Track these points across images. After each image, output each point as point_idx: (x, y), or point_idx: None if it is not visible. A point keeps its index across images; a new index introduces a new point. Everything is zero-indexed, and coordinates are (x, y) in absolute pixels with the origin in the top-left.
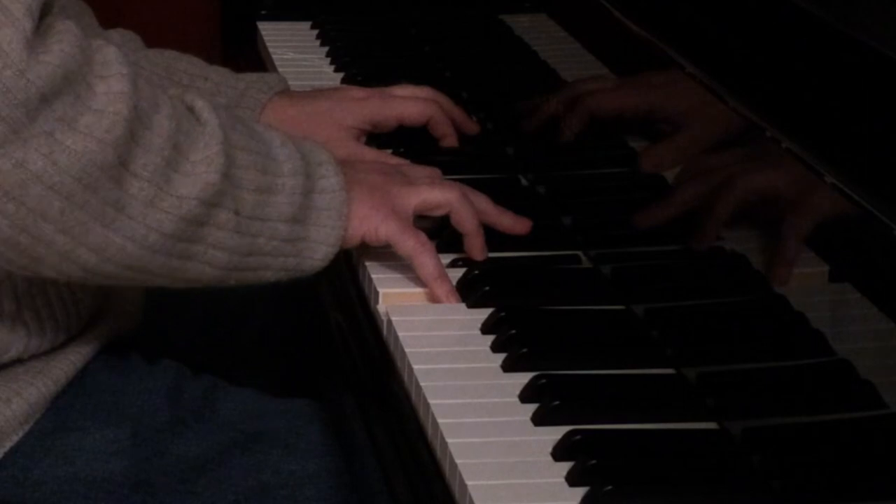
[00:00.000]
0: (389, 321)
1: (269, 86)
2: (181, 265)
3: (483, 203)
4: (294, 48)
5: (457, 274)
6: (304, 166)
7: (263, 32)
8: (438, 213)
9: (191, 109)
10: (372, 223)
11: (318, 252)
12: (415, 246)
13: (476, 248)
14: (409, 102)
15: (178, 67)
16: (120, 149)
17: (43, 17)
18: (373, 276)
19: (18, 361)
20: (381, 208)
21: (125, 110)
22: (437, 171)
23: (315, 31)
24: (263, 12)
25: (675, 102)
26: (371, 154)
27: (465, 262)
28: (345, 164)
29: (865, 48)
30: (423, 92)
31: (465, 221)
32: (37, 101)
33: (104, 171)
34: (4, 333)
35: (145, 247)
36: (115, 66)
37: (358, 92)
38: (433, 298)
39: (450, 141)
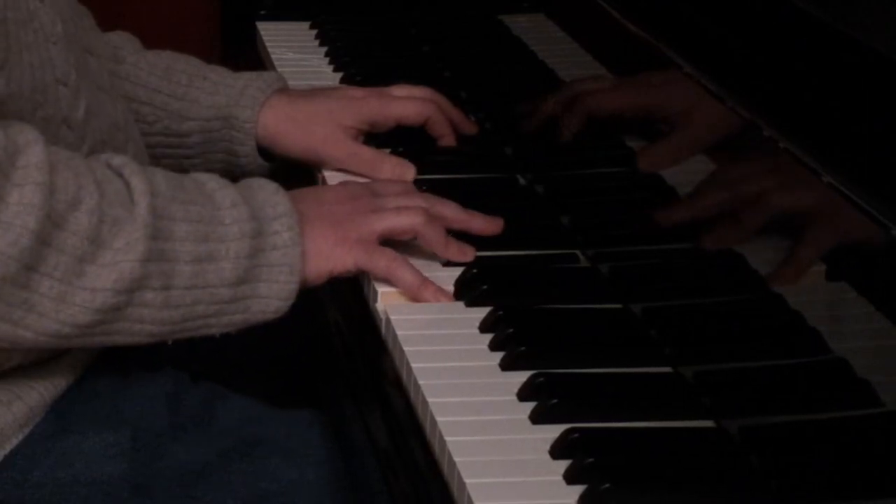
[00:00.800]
0: (388, 320)
1: (267, 84)
2: (104, 340)
3: (451, 211)
4: (293, 48)
5: (454, 273)
6: (253, 227)
7: (263, 32)
8: (404, 237)
9: (127, 186)
10: (336, 259)
11: (270, 306)
12: (387, 265)
13: (456, 258)
14: (407, 103)
15: (177, 68)
16: (25, 259)
17: None
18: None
19: (19, 366)
20: (344, 242)
21: (32, 223)
22: (408, 187)
23: (314, 32)
24: (263, 12)
25: (672, 102)
26: (368, 153)
27: (464, 262)
28: (309, 198)
29: (859, 46)
30: (421, 92)
31: (433, 242)
32: None
33: (6, 280)
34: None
35: (61, 336)
36: (33, 174)
37: (356, 92)
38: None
39: (447, 140)
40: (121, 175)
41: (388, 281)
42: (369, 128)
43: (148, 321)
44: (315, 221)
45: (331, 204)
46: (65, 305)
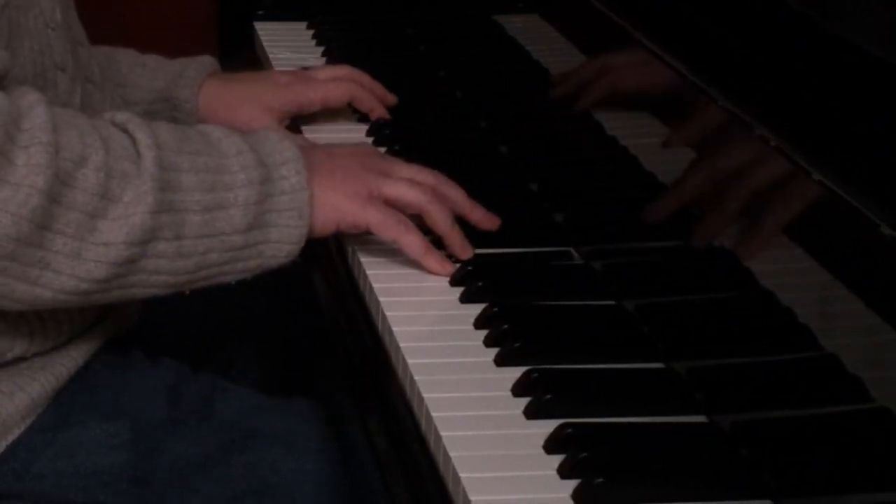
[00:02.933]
0: (384, 316)
1: (203, 66)
2: (123, 294)
3: (457, 195)
4: (290, 48)
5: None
6: (260, 173)
7: (260, 32)
8: (409, 211)
9: (133, 141)
10: (347, 212)
11: (281, 251)
12: (396, 227)
13: (456, 246)
14: (331, 85)
15: (117, 58)
16: (37, 219)
17: None
18: (368, 271)
19: (21, 358)
20: (356, 197)
21: (41, 182)
22: (420, 169)
23: (311, 31)
24: (260, 13)
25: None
26: (299, 139)
27: (459, 259)
28: (321, 152)
29: (840, 42)
30: (343, 72)
31: (438, 223)
32: None
33: (20, 240)
34: (8, 333)
35: (78, 293)
36: (38, 134)
37: (282, 77)
38: (427, 271)
39: (378, 113)
40: (125, 130)
41: (395, 243)
42: (297, 110)
43: (163, 271)
44: (325, 172)
45: (342, 158)
46: (80, 261)
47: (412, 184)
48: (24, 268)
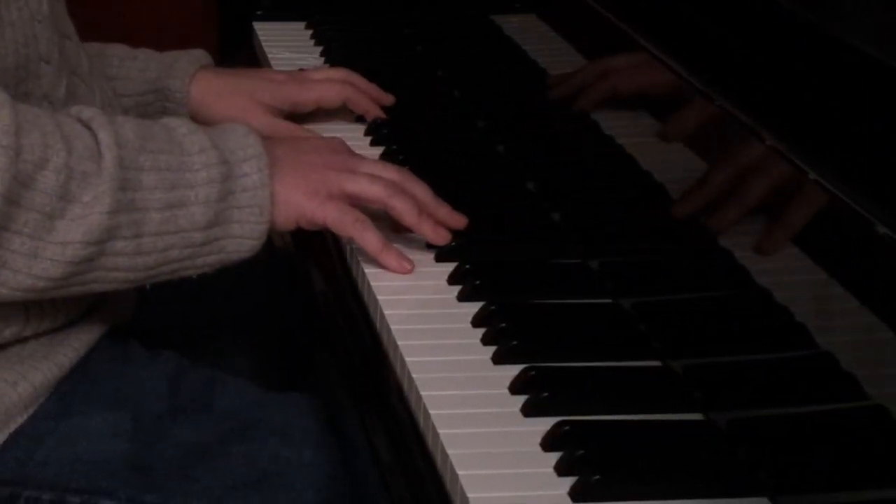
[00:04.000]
0: (382, 314)
1: (195, 58)
2: (81, 289)
3: (421, 192)
4: (289, 48)
5: (447, 269)
6: (222, 172)
7: (259, 32)
8: (373, 206)
9: (95, 140)
10: (307, 209)
11: (243, 245)
12: (354, 225)
13: (428, 235)
14: (326, 86)
15: (108, 53)
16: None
17: None
18: (366, 269)
19: (22, 345)
20: (315, 195)
21: (0, 188)
22: (384, 165)
23: (309, 31)
24: (259, 13)
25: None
26: (285, 128)
27: (454, 256)
28: (287, 147)
29: (835, 42)
30: (338, 74)
31: (404, 216)
32: None
33: None
34: (3, 312)
35: (36, 290)
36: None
37: (278, 75)
38: (386, 268)
39: (373, 114)
40: (89, 128)
41: (351, 240)
42: (290, 108)
43: (122, 268)
44: (287, 168)
45: (307, 153)
46: (37, 260)
47: (374, 179)
48: None
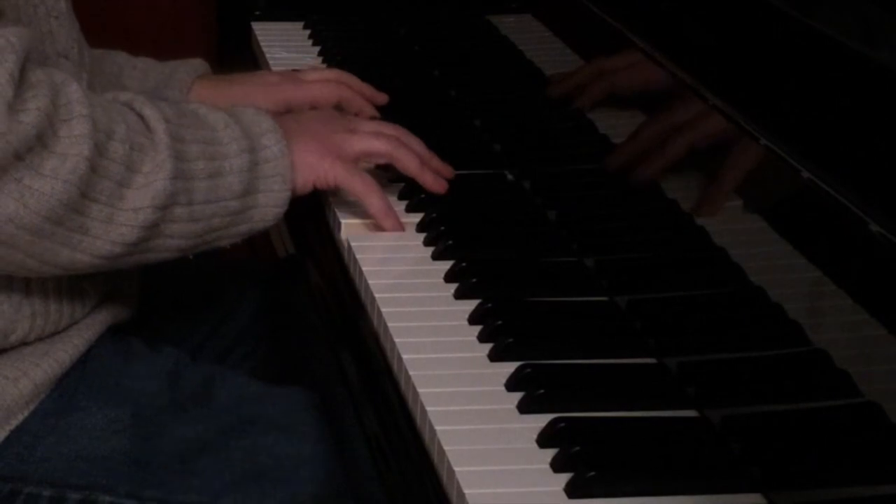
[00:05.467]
0: (379, 312)
1: (193, 68)
2: (143, 258)
3: (417, 145)
4: (287, 48)
5: (444, 266)
6: (248, 143)
7: (257, 33)
8: (380, 161)
9: (140, 117)
10: (320, 170)
11: (268, 214)
12: (363, 187)
13: (429, 184)
14: (320, 86)
15: (108, 60)
16: (82, 186)
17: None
18: (364, 268)
19: (24, 343)
20: (326, 156)
21: (86, 151)
22: (380, 123)
23: (307, 32)
24: (257, 13)
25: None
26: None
27: (451, 254)
28: (289, 118)
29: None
30: (332, 74)
31: (409, 166)
32: (12, 157)
33: (69, 206)
34: (10, 313)
35: (113, 256)
36: (76, 108)
37: (272, 77)
38: (383, 229)
39: (367, 114)
40: (132, 108)
41: (359, 199)
42: (285, 109)
43: (177, 235)
44: (299, 136)
45: (310, 122)
46: (113, 226)
47: (377, 135)
48: (68, 233)
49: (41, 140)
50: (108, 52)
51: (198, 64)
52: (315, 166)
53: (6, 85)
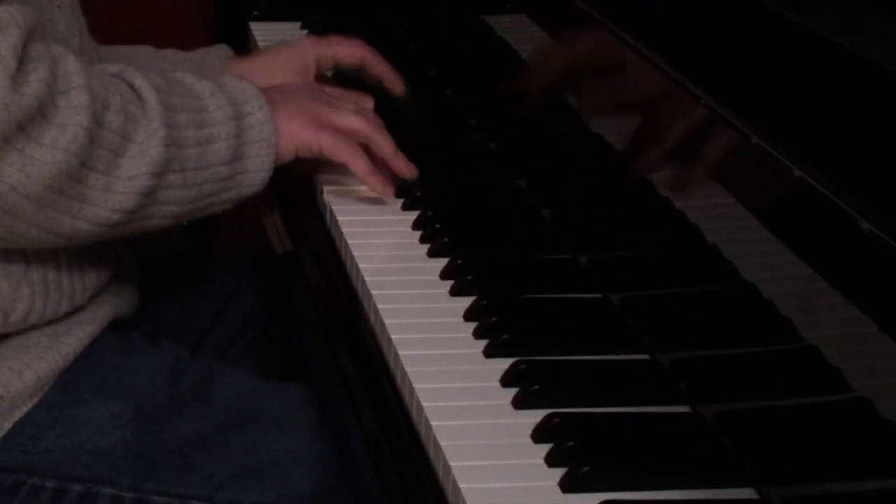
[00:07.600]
0: (376, 309)
1: (222, 51)
2: (141, 225)
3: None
4: None
5: (440, 264)
6: (233, 110)
7: (255, 33)
8: (355, 138)
9: (131, 87)
10: (304, 138)
11: (256, 178)
12: (347, 150)
13: (401, 168)
14: (343, 46)
15: (137, 55)
16: (82, 155)
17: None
18: (360, 265)
19: (27, 335)
20: (310, 125)
21: (85, 121)
22: (364, 101)
23: (305, 32)
24: (256, 13)
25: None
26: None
27: (447, 252)
28: (274, 89)
29: (824, 41)
30: (356, 40)
31: (384, 148)
32: (14, 128)
33: (69, 174)
34: (9, 291)
35: (111, 224)
36: (75, 79)
37: (295, 41)
38: (371, 190)
39: (388, 81)
40: (123, 78)
41: (345, 166)
42: (309, 71)
43: (172, 202)
44: (281, 105)
45: (294, 92)
46: (111, 194)
47: (358, 114)
48: (68, 201)
49: (41, 111)
50: (135, 47)
51: (222, 49)
52: (298, 134)
53: (10, 58)
